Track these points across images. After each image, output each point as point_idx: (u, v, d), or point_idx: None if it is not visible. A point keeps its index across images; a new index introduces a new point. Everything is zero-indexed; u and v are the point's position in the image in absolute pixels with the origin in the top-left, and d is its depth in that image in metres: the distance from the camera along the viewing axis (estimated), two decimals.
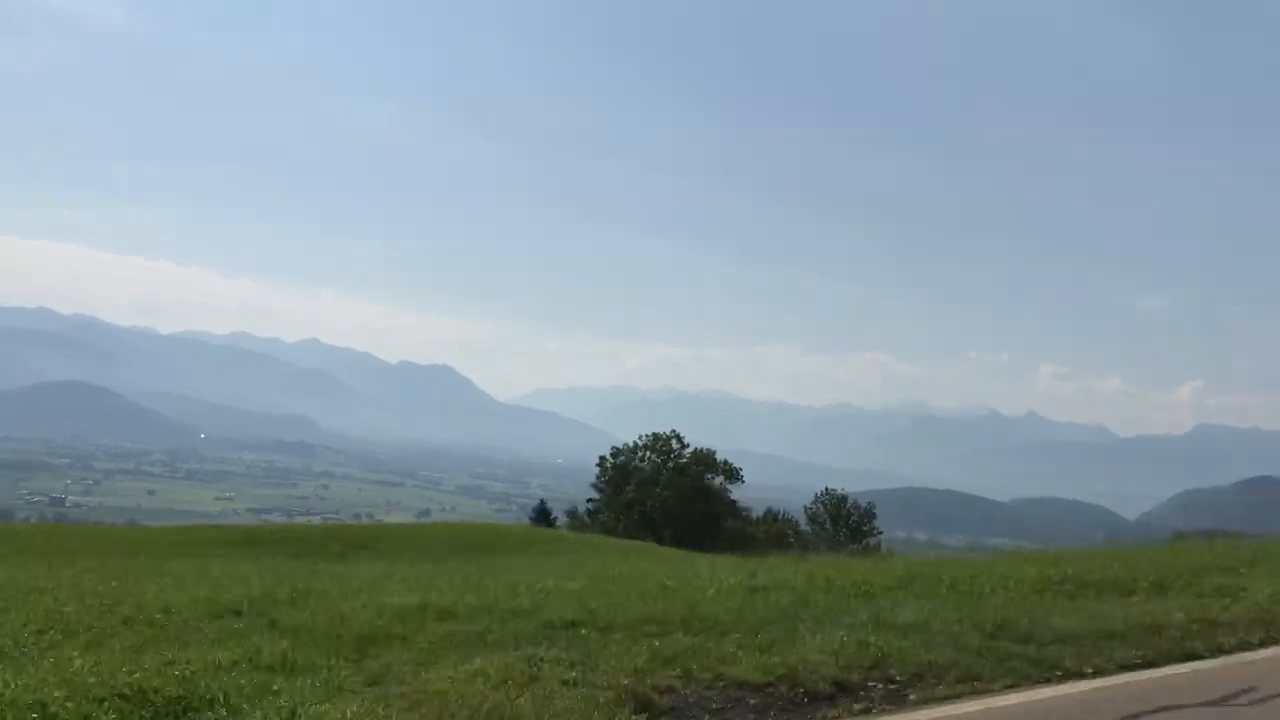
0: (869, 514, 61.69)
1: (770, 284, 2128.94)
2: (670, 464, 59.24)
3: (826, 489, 63.92)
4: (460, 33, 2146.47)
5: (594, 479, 62.19)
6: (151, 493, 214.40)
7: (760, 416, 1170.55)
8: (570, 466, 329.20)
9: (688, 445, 60.54)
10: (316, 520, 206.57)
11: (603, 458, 61.92)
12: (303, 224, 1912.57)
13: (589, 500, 61.56)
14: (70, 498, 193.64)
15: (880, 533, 62.82)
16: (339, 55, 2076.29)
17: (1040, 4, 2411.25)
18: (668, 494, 56.58)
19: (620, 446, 62.48)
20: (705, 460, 59.37)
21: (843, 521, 60.60)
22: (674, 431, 61.63)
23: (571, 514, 63.03)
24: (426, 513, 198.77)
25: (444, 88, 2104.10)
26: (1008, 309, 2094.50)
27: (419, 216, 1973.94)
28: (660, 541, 53.64)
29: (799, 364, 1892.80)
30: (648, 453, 60.52)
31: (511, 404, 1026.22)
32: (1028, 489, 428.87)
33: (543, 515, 70.50)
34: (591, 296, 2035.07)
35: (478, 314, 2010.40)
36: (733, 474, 59.75)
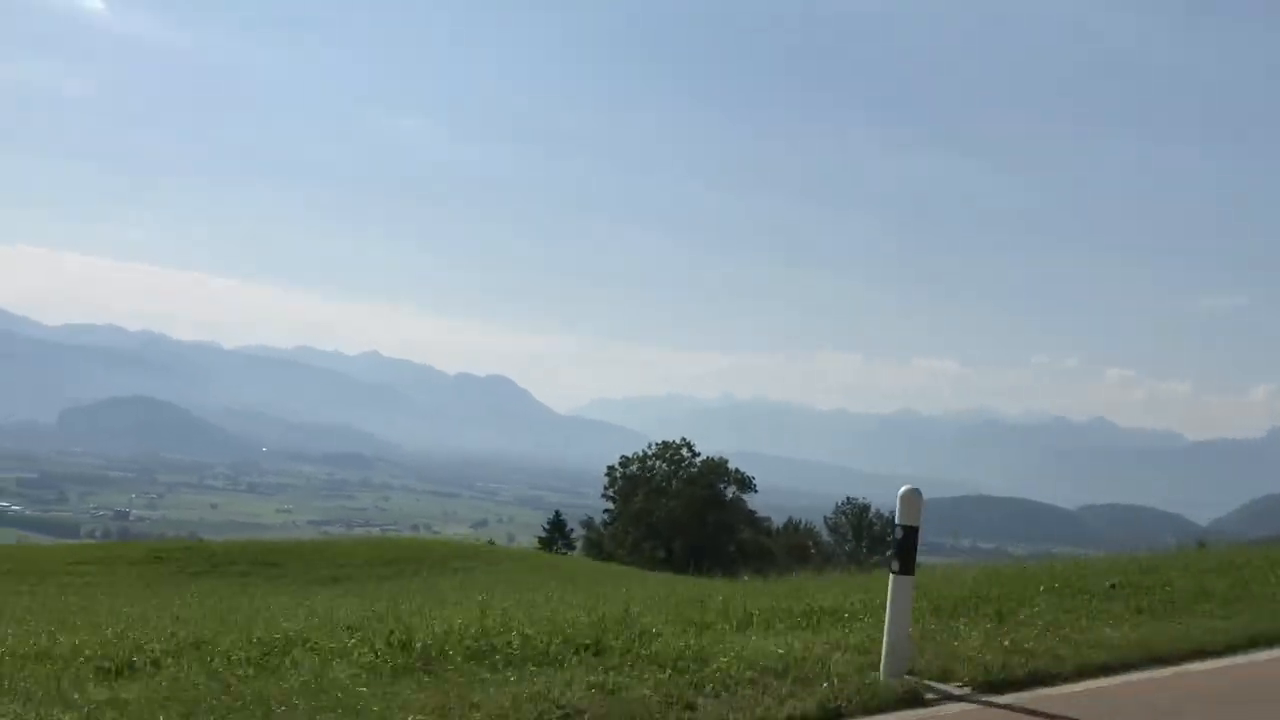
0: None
1: (830, 292, 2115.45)
2: (681, 473, 56.51)
3: (848, 498, 61.10)
4: (510, 47, 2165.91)
5: (604, 489, 59.52)
6: (214, 506, 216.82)
7: (821, 425, 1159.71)
8: None
9: (699, 454, 57.95)
10: (376, 532, 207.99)
11: (611, 467, 59.29)
12: (363, 237, 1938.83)
13: (605, 511, 59.19)
14: (134, 511, 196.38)
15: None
16: (396, 71, 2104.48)
17: (1084, 3, 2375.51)
18: (674, 504, 54.09)
19: (630, 455, 59.45)
20: (716, 469, 56.70)
21: (865, 532, 57.94)
22: (684, 439, 59.08)
23: (587, 525, 60.96)
24: (483, 523, 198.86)
25: (496, 101, 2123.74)
26: (1074, 313, 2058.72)
27: (478, 229, 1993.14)
28: (669, 554, 51.23)
29: (861, 371, 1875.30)
30: (658, 461, 57.85)
31: (570, 415, 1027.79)
32: (1096, 496, 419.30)
33: (557, 527, 68.50)
34: (649, 306, 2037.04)
35: (537, 325, 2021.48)
36: (745, 483, 57.18)
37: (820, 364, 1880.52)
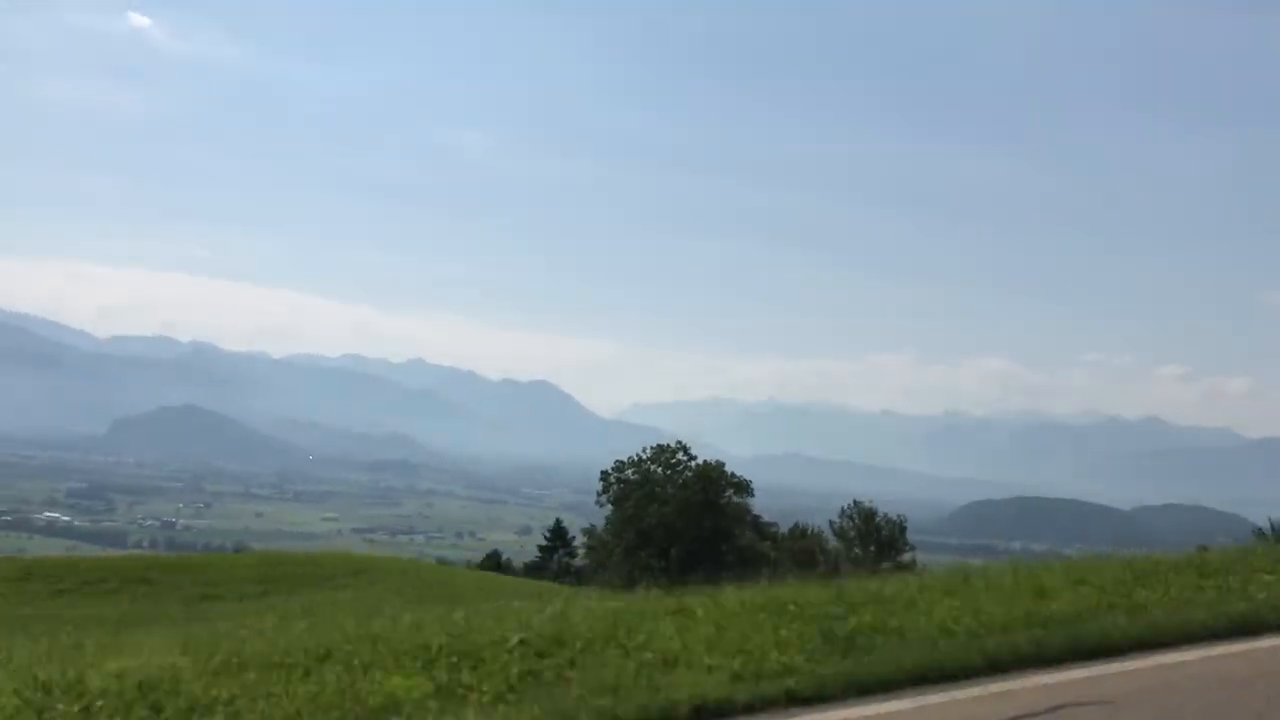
0: (900, 528, 55.63)
1: (876, 293, 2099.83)
2: (678, 477, 53.91)
3: (855, 501, 57.85)
4: (554, 54, 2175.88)
5: (597, 495, 56.33)
6: (260, 515, 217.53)
7: (870, 427, 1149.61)
8: None
9: (695, 457, 55.11)
10: (420, 539, 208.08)
11: (605, 472, 56.01)
12: (408, 246, 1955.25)
13: (607, 518, 56.70)
14: (181, 521, 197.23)
15: (913, 548, 56.29)
16: (437, 83, 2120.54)
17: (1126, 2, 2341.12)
18: (666, 510, 51.36)
19: (625, 460, 56.33)
20: (713, 473, 53.98)
21: (873, 536, 54.89)
22: (680, 442, 56.22)
23: (589, 533, 58.75)
24: (527, 530, 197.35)
25: (540, 109, 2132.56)
26: (1125, 311, 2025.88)
27: (521, 236, 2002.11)
28: (665, 560, 48.90)
29: (909, 372, 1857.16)
30: (653, 466, 54.88)
31: (614, 419, 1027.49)
32: (1151, 496, 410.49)
33: (558, 535, 66.63)
34: (692, 310, 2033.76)
35: (580, 330, 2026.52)
36: (741, 487, 54.28)
37: (867, 365, 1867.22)
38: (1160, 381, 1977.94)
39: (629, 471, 55.03)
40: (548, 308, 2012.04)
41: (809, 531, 57.72)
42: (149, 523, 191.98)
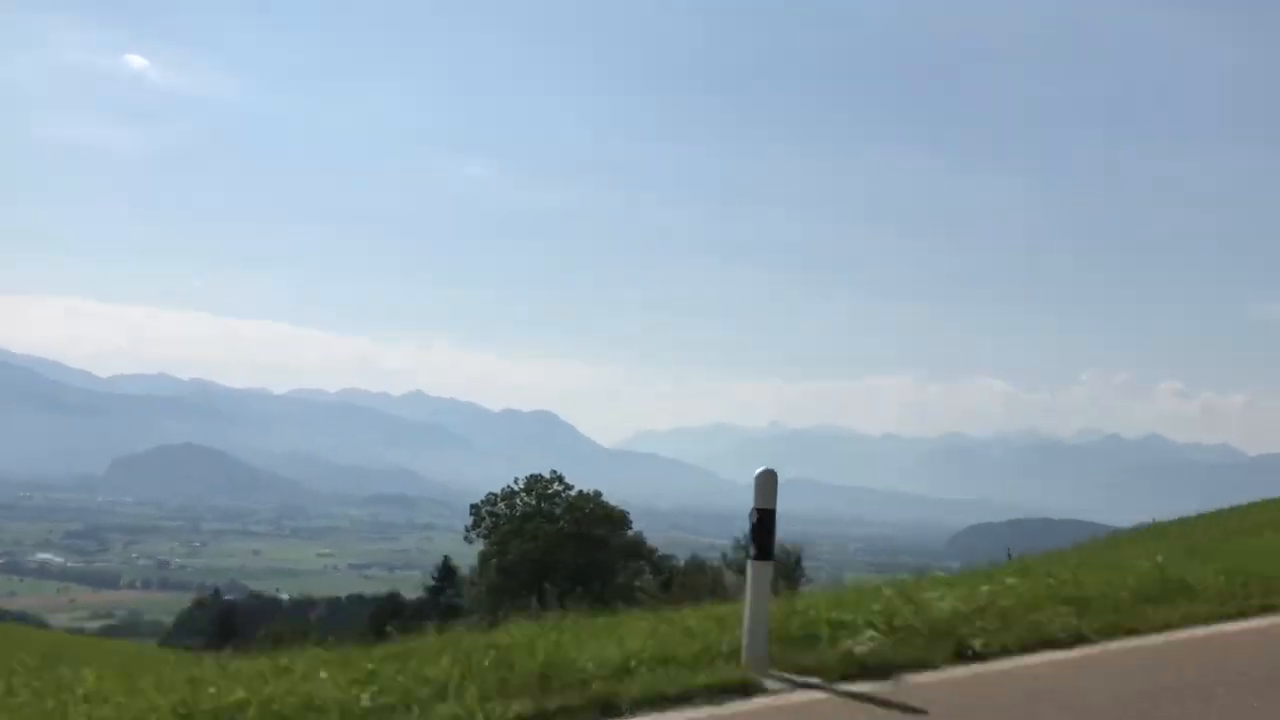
0: (796, 559, 53.44)
1: (876, 314, 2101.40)
2: (554, 509, 51.22)
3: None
4: (550, 83, 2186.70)
5: (465, 530, 53.44)
6: (256, 552, 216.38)
7: (872, 450, 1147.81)
8: (671, 509, 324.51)
9: (570, 487, 52.65)
10: (417, 574, 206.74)
11: (474, 506, 53.48)
12: (407, 278, 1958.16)
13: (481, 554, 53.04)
14: (176, 560, 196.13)
15: (809, 580, 53.83)
16: (435, 115, 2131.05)
17: (1120, 23, 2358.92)
18: (530, 546, 48.30)
19: (498, 492, 53.77)
20: (584, 504, 51.39)
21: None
22: (555, 472, 53.54)
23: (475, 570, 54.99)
24: None
25: (537, 138, 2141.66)
26: (1122, 328, 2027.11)
27: (521, 266, 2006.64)
28: (541, 597, 46.34)
29: (909, 394, 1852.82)
30: (525, 496, 52.31)
31: (614, 448, 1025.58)
32: (1152, 514, 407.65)
33: (446, 575, 62.57)
34: (691, 336, 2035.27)
35: (580, 359, 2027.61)
36: (618, 521, 51.79)
37: (867, 387, 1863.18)
38: (1159, 399, 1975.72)
39: (501, 504, 52.28)
40: (548, 337, 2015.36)
41: (706, 565, 55.23)
42: (143, 562, 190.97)
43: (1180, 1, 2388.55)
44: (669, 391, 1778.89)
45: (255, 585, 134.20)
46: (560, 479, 53.40)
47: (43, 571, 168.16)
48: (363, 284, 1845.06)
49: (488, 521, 52.08)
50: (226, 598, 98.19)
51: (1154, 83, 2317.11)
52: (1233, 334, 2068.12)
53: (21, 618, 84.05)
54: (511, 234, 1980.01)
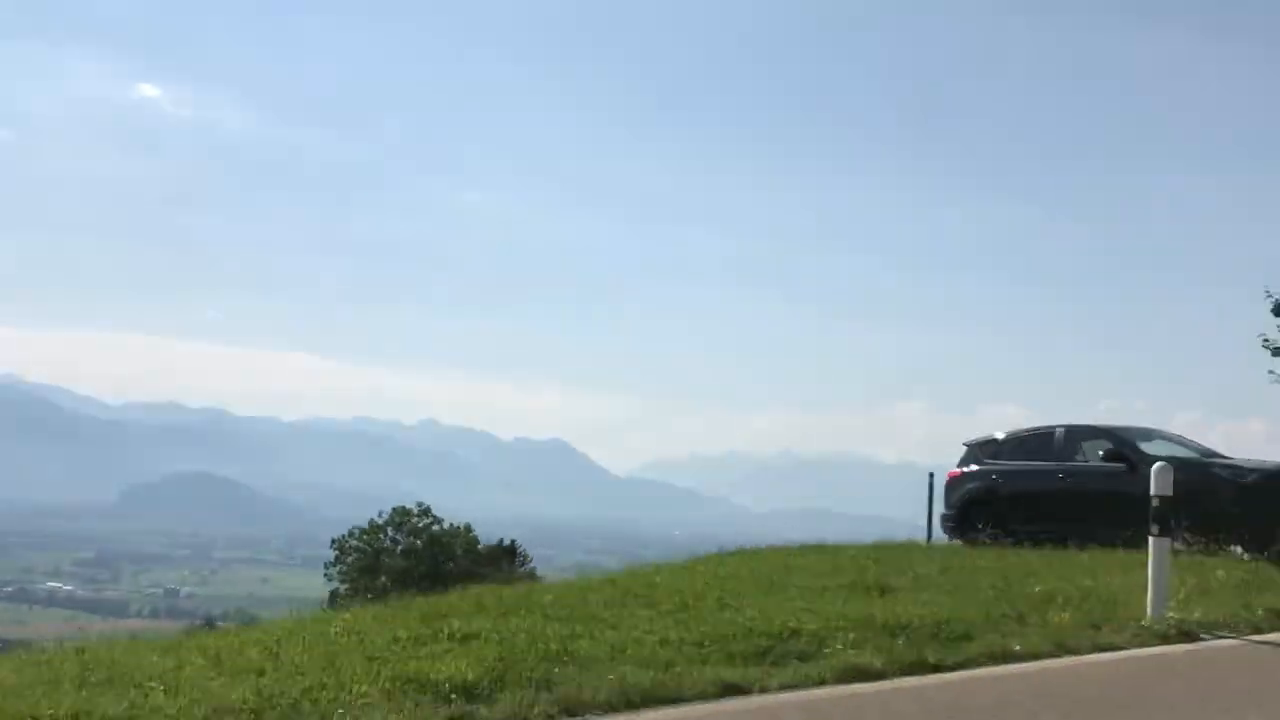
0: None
1: (891, 342, 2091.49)
2: (416, 542, 47.88)
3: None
4: (561, 112, 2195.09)
5: (325, 567, 50.12)
6: (265, 580, 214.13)
7: (888, 478, 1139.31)
8: (685, 539, 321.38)
9: (437, 521, 49.40)
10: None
11: (338, 540, 50.03)
12: (420, 307, 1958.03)
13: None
14: (185, 589, 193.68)
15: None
16: (447, 144, 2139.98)
17: (1115, 52, 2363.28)
18: (384, 581, 44.70)
19: (365, 525, 50.05)
20: (445, 539, 48.19)
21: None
22: (421, 504, 50.38)
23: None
24: None
25: (548, 166, 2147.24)
26: (1139, 356, 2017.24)
27: (534, 294, 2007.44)
28: None
29: (925, 421, 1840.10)
30: (387, 530, 48.97)
31: (628, 477, 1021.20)
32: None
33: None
34: (704, 364, 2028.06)
35: (593, 387, 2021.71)
36: (479, 556, 47.66)
37: (882, 415, 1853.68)
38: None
39: (364, 538, 48.63)
40: (561, 366, 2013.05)
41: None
42: (152, 591, 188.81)
43: (1197, 25, 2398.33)
44: (682, 420, 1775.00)
45: (265, 613, 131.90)
46: (428, 511, 49.88)
47: (51, 600, 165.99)
48: (375, 313, 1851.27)
49: (353, 557, 48.31)
50: (219, 626, 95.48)
51: (1161, 107, 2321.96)
52: (1246, 357, 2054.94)
53: (28, 646, 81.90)
54: (526, 264, 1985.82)
